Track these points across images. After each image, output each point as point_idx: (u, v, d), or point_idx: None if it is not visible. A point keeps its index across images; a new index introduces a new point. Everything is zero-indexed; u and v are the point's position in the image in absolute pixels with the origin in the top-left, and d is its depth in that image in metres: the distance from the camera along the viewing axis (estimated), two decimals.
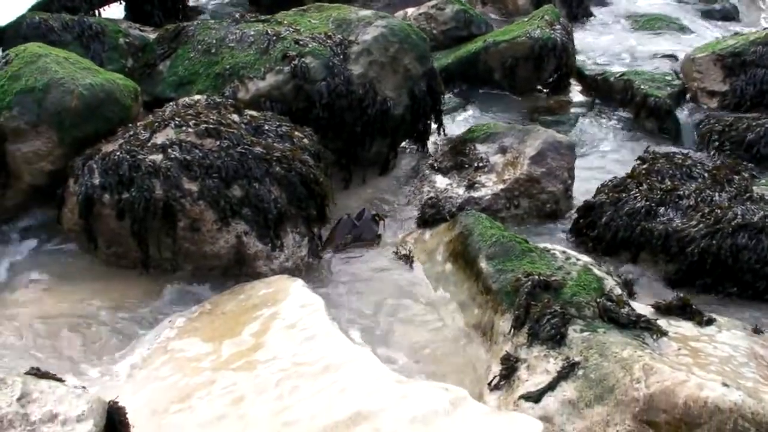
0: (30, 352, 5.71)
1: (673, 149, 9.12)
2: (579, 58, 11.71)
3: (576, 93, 11.13)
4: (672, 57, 12.04)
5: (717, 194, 7.53)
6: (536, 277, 5.91)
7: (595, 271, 6.18)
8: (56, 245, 6.89)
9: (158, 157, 6.63)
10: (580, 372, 5.17)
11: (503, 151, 8.46)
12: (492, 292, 6.08)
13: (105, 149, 6.84)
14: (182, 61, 8.92)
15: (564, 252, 6.44)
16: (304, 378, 5.04)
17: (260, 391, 5.02)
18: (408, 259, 7.03)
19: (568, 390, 5.13)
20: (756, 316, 6.42)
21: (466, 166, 8.46)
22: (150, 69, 9.11)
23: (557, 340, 5.45)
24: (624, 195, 7.68)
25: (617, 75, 11.04)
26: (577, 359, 5.25)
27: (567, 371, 5.22)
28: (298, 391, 4.94)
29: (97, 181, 6.58)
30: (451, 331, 6.20)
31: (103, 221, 6.63)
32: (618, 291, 6.02)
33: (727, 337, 5.65)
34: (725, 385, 4.65)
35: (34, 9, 9.66)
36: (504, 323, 5.85)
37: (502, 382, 5.53)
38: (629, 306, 5.80)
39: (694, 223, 7.13)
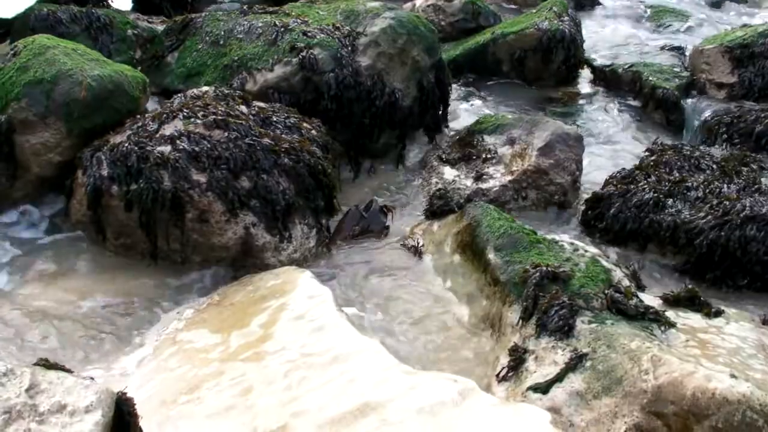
0: (38, 343, 5.71)
1: (682, 141, 9.11)
2: (587, 49, 11.67)
3: (584, 84, 11.12)
4: (680, 49, 12.01)
5: (725, 186, 7.52)
6: (544, 268, 5.90)
7: (603, 262, 6.17)
8: (64, 236, 6.88)
9: (166, 149, 6.63)
10: (588, 363, 5.16)
11: (511, 142, 8.45)
12: (500, 284, 6.08)
13: (113, 141, 6.85)
14: (190, 52, 8.94)
15: (572, 243, 6.43)
16: (313, 369, 5.04)
17: (268, 382, 5.03)
18: (416, 251, 7.03)
19: (576, 381, 5.13)
20: (765, 308, 6.40)
21: (474, 157, 8.46)
22: (158, 60, 9.13)
23: (565, 331, 5.45)
24: (632, 186, 7.68)
25: (625, 66, 11.03)
26: (585, 351, 5.25)
27: (575, 363, 5.21)
28: (306, 381, 4.94)
29: (105, 173, 6.58)
30: (459, 322, 6.19)
31: (111, 212, 6.63)
32: (626, 282, 6.01)
33: (735, 328, 5.64)
34: (733, 376, 4.64)
35: (42, 1, 9.66)
36: (512, 315, 5.84)
37: (510, 374, 5.53)
38: (637, 297, 5.79)
39: (702, 214, 7.13)
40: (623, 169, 8.21)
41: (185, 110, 7.05)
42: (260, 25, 8.79)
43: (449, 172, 8.28)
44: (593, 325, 5.41)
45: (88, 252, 6.71)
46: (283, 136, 7.10)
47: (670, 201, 7.40)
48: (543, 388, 5.23)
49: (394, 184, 8.18)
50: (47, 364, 4.43)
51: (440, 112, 9.17)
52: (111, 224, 6.70)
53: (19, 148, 7.01)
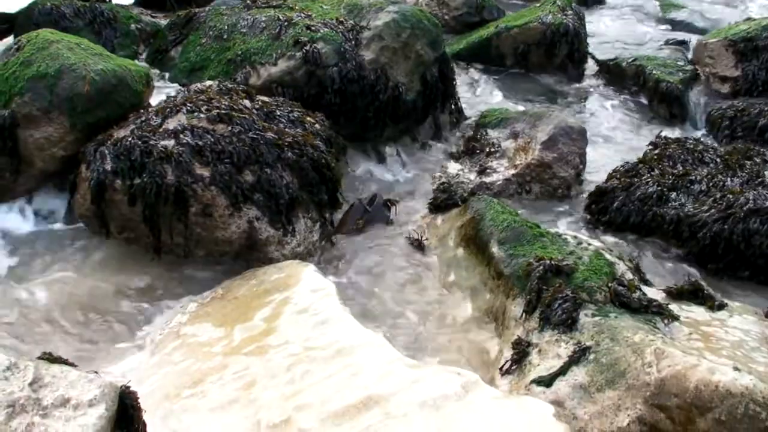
0: (40, 337, 5.72)
1: (685, 134, 9.11)
2: (591, 43, 11.67)
3: (588, 78, 11.11)
4: (684, 42, 12.02)
5: (729, 179, 7.53)
6: (548, 261, 5.90)
7: (607, 255, 6.18)
8: (67, 230, 6.89)
9: (170, 143, 6.63)
10: (592, 356, 5.16)
11: (515, 136, 8.47)
12: (503, 277, 6.08)
13: (117, 135, 6.85)
14: (194, 47, 8.95)
15: (575, 237, 6.43)
16: (316, 362, 5.04)
17: (272, 375, 5.03)
18: (420, 244, 7.04)
19: (579, 374, 5.13)
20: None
21: (478, 151, 8.48)
22: (162, 55, 9.13)
23: (568, 324, 5.45)
24: (636, 180, 7.70)
25: (629, 60, 11.03)
26: (588, 344, 5.25)
27: (578, 356, 5.22)
28: (309, 375, 4.94)
29: (108, 167, 6.58)
30: (463, 316, 6.20)
31: (114, 207, 6.63)
32: (629, 276, 6.02)
33: (738, 321, 5.64)
34: (736, 369, 4.64)
35: None
36: (515, 308, 5.85)
37: (513, 367, 5.54)
38: (641, 291, 5.79)
39: (705, 208, 7.13)
40: (626, 162, 8.22)
41: (189, 104, 7.05)
42: (264, 19, 8.79)
43: (453, 166, 8.31)
44: (596, 318, 5.41)
45: (91, 246, 6.71)
46: (286, 130, 7.10)
47: (673, 194, 7.41)
48: (546, 382, 5.23)
49: (398, 175, 8.16)
50: (51, 358, 4.44)
51: (444, 106, 9.14)
52: (114, 218, 6.69)
53: (22, 143, 7.00)
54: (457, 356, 5.78)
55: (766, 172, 7.70)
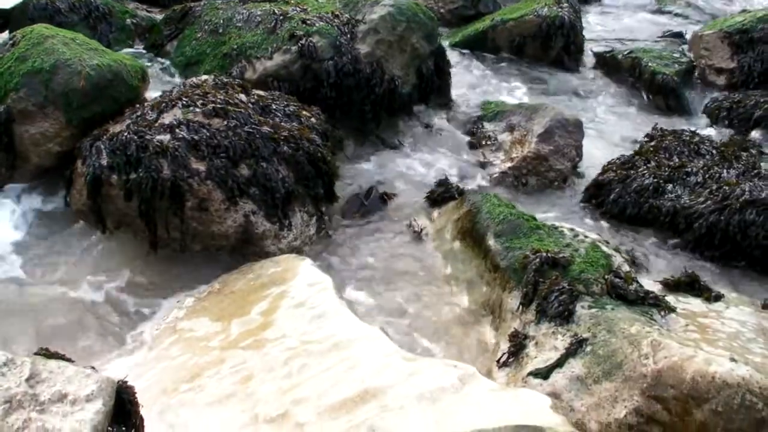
0: (37, 332, 5.71)
1: (681, 126, 9.11)
2: (587, 36, 11.68)
3: (585, 70, 11.11)
4: (680, 35, 12.05)
5: (725, 171, 7.54)
6: (544, 254, 5.91)
7: (603, 248, 6.19)
8: (64, 226, 6.87)
9: (166, 137, 6.63)
10: (588, 348, 5.17)
11: (511, 129, 8.47)
12: (500, 270, 6.09)
13: (112, 130, 6.84)
14: (189, 41, 8.95)
15: (572, 229, 6.44)
16: (313, 356, 5.04)
17: (269, 369, 5.03)
18: (417, 238, 7.04)
19: (576, 366, 5.14)
20: (765, 291, 6.41)
21: (475, 144, 8.47)
22: (157, 50, 9.13)
23: (565, 316, 5.46)
24: (632, 172, 7.71)
25: (625, 53, 11.04)
26: (585, 336, 5.26)
27: (575, 348, 5.22)
28: (306, 369, 4.94)
29: (104, 162, 6.57)
30: (460, 308, 6.20)
31: (111, 202, 6.62)
32: (626, 268, 6.03)
33: (735, 312, 5.65)
34: (733, 360, 4.65)
35: None
36: (512, 300, 5.86)
37: (510, 359, 5.55)
38: (637, 282, 5.80)
39: (702, 199, 7.14)
40: (622, 155, 8.22)
41: (184, 99, 7.05)
42: (259, 13, 8.79)
43: (451, 159, 8.30)
44: (593, 310, 5.42)
45: (87, 241, 6.70)
46: (282, 124, 7.10)
47: (669, 186, 7.43)
48: (543, 374, 5.24)
49: (395, 168, 8.16)
50: (48, 354, 4.43)
51: (440, 99, 9.15)
52: (111, 213, 6.69)
53: (18, 139, 7.01)
54: (454, 349, 5.79)
55: (762, 164, 7.72)
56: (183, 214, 6.50)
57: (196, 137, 6.64)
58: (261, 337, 5.38)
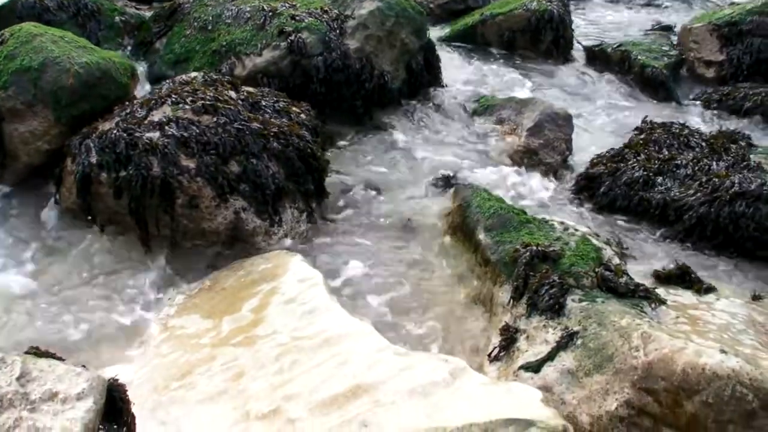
0: (29, 330, 5.70)
1: (671, 119, 9.12)
2: (577, 29, 11.70)
3: (575, 63, 11.12)
4: (669, 28, 12.07)
5: (714, 163, 7.55)
6: (534, 247, 5.91)
7: (594, 241, 6.19)
8: (53, 223, 6.86)
9: (155, 135, 6.62)
10: (579, 341, 5.18)
11: (501, 122, 8.48)
12: (491, 264, 6.10)
13: (102, 127, 6.84)
14: (178, 38, 8.94)
15: (562, 223, 6.45)
16: (304, 352, 5.04)
17: (260, 366, 5.03)
18: (407, 232, 7.03)
19: (567, 360, 5.14)
20: (756, 282, 6.43)
21: (465, 138, 8.48)
22: (146, 47, 9.11)
23: (556, 310, 5.46)
24: (622, 165, 7.72)
25: (614, 46, 11.08)
26: (575, 329, 5.26)
27: (566, 341, 5.23)
28: (297, 365, 4.94)
29: (94, 160, 6.57)
30: (452, 303, 6.20)
31: (101, 199, 6.62)
32: (616, 260, 6.03)
33: (725, 304, 5.66)
34: (723, 351, 4.65)
35: None
36: (503, 294, 5.86)
37: (501, 353, 5.55)
38: (628, 275, 5.81)
39: (691, 192, 7.15)
40: (612, 148, 8.24)
41: (174, 96, 7.05)
42: (248, 9, 8.79)
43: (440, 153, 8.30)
44: (584, 303, 5.43)
45: (77, 239, 6.69)
46: (272, 120, 7.10)
47: (659, 179, 7.44)
48: (534, 367, 5.25)
49: (385, 163, 8.15)
50: (38, 352, 4.43)
51: (430, 93, 9.15)
52: (101, 211, 6.68)
53: (7, 137, 7.01)
54: (445, 343, 5.79)
55: (751, 156, 7.73)
56: (173, 212, 6.50)
57: (185, 134, 6.63)
58: (252, 334, 5.39)
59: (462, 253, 6.51)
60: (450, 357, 4.96)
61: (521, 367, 5.30)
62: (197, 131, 6.67)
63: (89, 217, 6.72)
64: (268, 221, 6.64)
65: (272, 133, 6.88)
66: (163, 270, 6.43)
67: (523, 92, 9.82)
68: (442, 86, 9.44)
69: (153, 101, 7.03)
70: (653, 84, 10.27)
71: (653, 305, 5.48)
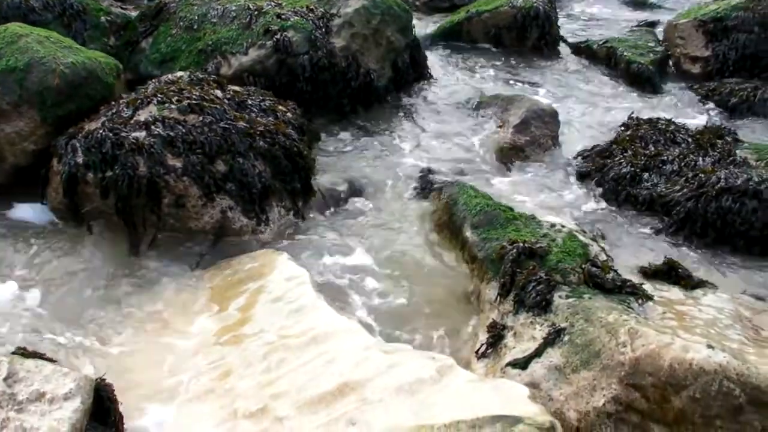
0: (14, 331, 5.68)
1: (657, 115, 9.13)
2: (563, 26, 11.72)
3: (561, 60, 11.13)
4: (655, 24, 12.09)
5: (701, 158, 7.56)
6: (521, 244, 5.92)
7: (581, 237, 6.20)
8: (40, 224, 6.85)
9: (141, 134, 6.62)
10: (566, 338, 5.18)
11: (487, 120, 8.47)
12: (477, 261, 6.11)
13: (88, 127, 6.83)
14: (164, 38, 8.93)
15: (549, 219, 6.45)
16: (291, 350, 5.05)
17: (247, 364, 5.04)
18: (395, 230, 7.03)
19: (554, 356, 5.15)
20: (745, 277, 6.44)
21: (451, 135, 8.49)
22: (132, 47, 9.10)
23: (543, 306, 5.47)
24: (608, 161, 7.74)
25: (600, 42, 11.11)
26: (562, 325, 5.27)
27: (553, 337, 5.23)
28: (285, 363, 4.95)
29: (80, 160, 6.56)
30: (439, 300, 6.20)
31: (87, 199, 6.61)
32: (603, 257, 6.04)
33: (712, 299, 5.66)
34: (710, 346, 4.65)
35: None
36: (490, 291, 5.87)
37: (489, 350, 5.56)
38: (614, 271, 5.82)
39: (677, 187, 7.16)
40: (599, 144, 8.25)
41: (159, 95, 7.04)
42: (234, 8, 8.79)
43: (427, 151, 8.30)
44: (571, 300, 5.43)
45: (64, 239, 6.68)
46: (258, 119, 7.10)
47: (646, 175, 7.45)
48: (522, 364, 5.25)
49: (372, 161, 8.15)
50: (25, 353, 4.43)
51: (416, 91, 9.17)
52: (88, 211, 6.67)
53: None
54: (433, 340, 5.79)
55: (737, 151, 7.74)
56: (160, 211, 6.50)
57: (171, 134, 6.63)
58: (239, 333, 5.39)
59: (449, 251, 6.52)
60: (437, 354, 4.98)
61: (509, 364, 5.31)
62: (183, 130, 6.67)
63: (75, 217, 6.71)
64: (255, 220, 6.65)
65: (258, 132, 6.89)
66: (150, 268, 6.42)
67: (509, 89, 9.83)
68: (429, 84, 9.44)
69: (139, 101, 7.02)
70: (639, 80, 10.30)
71: (640, 301, 5.48)
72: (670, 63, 10.85)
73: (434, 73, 9.82)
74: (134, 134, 6.62)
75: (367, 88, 8.55)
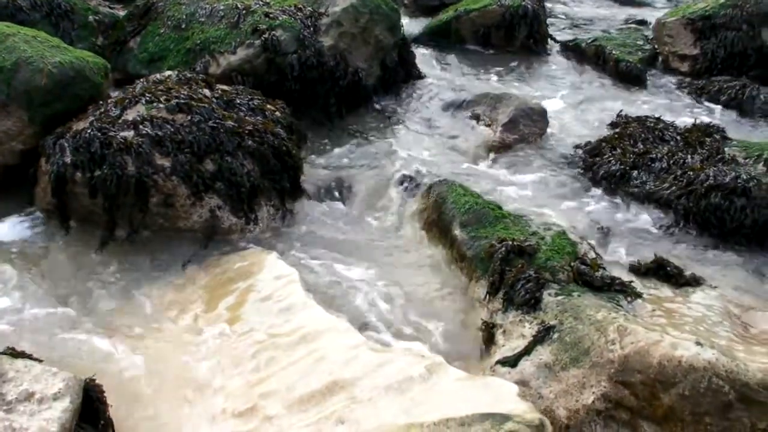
0: (1, 332, 5.68)
1: (646, 113, 9.14)
2: (551, 24, 11.74)
3: (550, 58, 11.13)
4: (644, 22, 12.11)
5: (689, 156, 7.57)
6: (510, 242, 5.93)
7: (570, 235, 6.21)
8: (30, 224, 6.83)
9: (129, 134, 6.61)
10: (556, 335, 5.19)
11: (476, 118, 8.48)
12: (466, 259, 6.11)
13: (76, 127, 6.82)
14: (152, 37, 8.92)
15: (538, 217, 6.46)
16: (281, 349, 5.05)
17: (237, 363, 5.04)
18: (383, 229, 7.03)
19: (543, 354, 5.15)
20: (736, 272, 6.45)
21: (440, 134, 8.49)
22: (120, 46, 9.08)
23: (532, 304, 5.48)
24: (598, 159, 7.73)
25: (589, 41, 11.11)
26: (552, 323, 5.27)
27: (542, 335, 5.24)
28: (274, 362, 4.95)
29: (68, 160, 6.55)
30: (428, 298, 6.20)
31: (75, 199, 6.59)
32: (592, 254, 6.04)
33: (701, 296, 5.68)
34: (699, 344, 4.66)
35: None
36: (479, 290, 5.87)
37: (479, 348, 5.56)
38: (603, 269, 5.82)
39: (667, 185, 7.17)
40: (588, 142, 8.24)
41: (148, 95, 7.03)
42: (222, 8, 8.78)
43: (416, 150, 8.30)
44: (560, 298, 5.44)
45: (55, 239, 6.66)
46: (246, 118, 7.09)
47: (635, 173, 7.45)
48: (511, 362, 5.25)
49: (360, 160, 8.15)
50: (14, 353, 4.43)
51: (404, 90, 9.17)
52: (76, 211, 6.66)
53: None
54: (421, 338, 5.78)
55: (726, 149, 7.75)
56: (148, 210, 6.49)
57: (160, 133, 6.62)
58: (228, 331, 5.38)
59: (438, 249, 6.52)
60: (426, 352, 4.99)
61: (498, 362, 5.31)
62: (172, 130, 6.66)
63: (64, 217, 6.69)
64: (244, 219, 6.65)
65: (247, 131, 6.88)
66: (139, 268, 6.40)
67: (497, 88, 9.83)
68: (417, 82, 9.45)
69: (127, 100, 7.01)
70: (628, 78, 10.31)
71: (629, 298, 5.49)
72: (659, 61, 10.86)
73: (423, 72, 9.82)
74: (122, 134, 6.60)
75: (355, 86, 8.55)
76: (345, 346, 4.99)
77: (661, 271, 6.05)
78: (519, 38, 11.02)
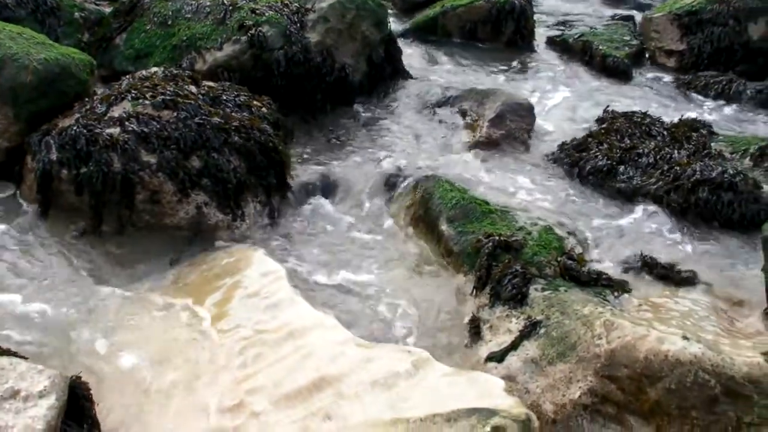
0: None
1: (632, 108, 9.15)
2: (538, 19, 11.75)
3: (537, 53, 11.15)
4: (631, 18, 12.14)
5: (676, 151, 7.58)
6: (497, 237, 5.94)
7: (557, 230, 6.22)
8: (16, 221, 6.81)
9: (115, 131, 6.59)
10: (542, 330, 5.20)
11: (463, 114, 8.48)
12: (453, 254, 6.12)
13: (62, 124, 6.80)
14: (138, 33, 8.90)
15: (525, 213, 6.46)
16: (268, 345, 5.04)
17: (223, 359, 5.03)
18: (370, 225, 7.03)
19: (530, 348, 5.16)
20: (720, 268, 6.47)
21: (427, 130, 8.48)
22: (106, 43, 9.06)
23: (519, 299, 5.49)
24: (584, 154, 7.74)
25: (576, 36, 11.14)
26: (538, 318, 5.28)
27: (529, 330, 5.25)
28: (261, 358, 4.94)
29: (54, 157, 6.53)
30: (415, 294, 6.20)
31: (62, 197, 6.58)
32: (579, 250, 6.05)
33: (687, 291, 5.70)
34: (685, 338, 4.67)
35: None
36: (466, 285, 5.88)
37: (467, 343, 5.57)
38: (590, 264, 5.83)
39: (653, 180, 7.18)
40: (575, 137, 8.25)
41: (134, 91, 7.01)
42: (208, 4, 8.76)
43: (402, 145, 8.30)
44: (546, 293, 5.45)
45: (40, 237, 6.65)
46: (233, 114, 7.08)
47: (622, 168, 7.46)
48: (498, 357, 5.26)
49: (347, 156, 8.14)
50: None
51: (391, 85, 9.17)
52: (63, 208, 6.64)
53: None
54: (407, 333, 5.79)
55: (712, 144, 7.77)
56: (135, 207, 6.47)
57: (146, 130, 6.61)
58: (216, 328, 5.37)
59: (425, 244, 6.52)
60: (412, 348, 4.99)
61: (485, 357, 5.32)
62: (158, 126, 6.64)
63: (51, 214, 6.67)
64: (231, 215, 6.63)
65: (233, 128, 6.87)
66: (125, 265, 6.39)
67: (484, 83, 9.83)
68: (404, 78, 9.44)
69: (113, 97, 6.99)
70: (615, 73, 10.34)
71: (616, 293, 5.50)
72: (646, 57, 10.90)
73: (409, 68, 9.81)
74: (108, 130, 6.59)
75: (342, 82, 8.53)
76: (332, 342, 4.99)
77: (647, 266, 6.06)
78: (506, 33, 11.03)
